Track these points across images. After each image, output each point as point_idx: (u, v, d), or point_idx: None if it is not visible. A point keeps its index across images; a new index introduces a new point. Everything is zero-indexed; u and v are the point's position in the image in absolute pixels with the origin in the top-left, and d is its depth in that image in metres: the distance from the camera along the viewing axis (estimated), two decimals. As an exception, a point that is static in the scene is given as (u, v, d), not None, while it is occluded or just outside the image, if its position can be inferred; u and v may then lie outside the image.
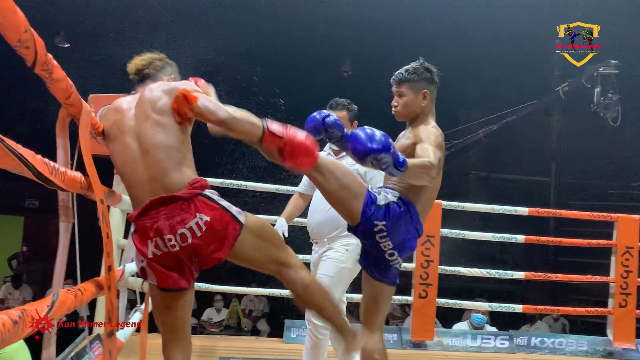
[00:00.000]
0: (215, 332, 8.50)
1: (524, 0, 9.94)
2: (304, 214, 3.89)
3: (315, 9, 9.92)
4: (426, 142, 2.52)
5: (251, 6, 10.06)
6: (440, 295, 5.22)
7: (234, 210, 2.24)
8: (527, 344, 5.55)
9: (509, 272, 5.90)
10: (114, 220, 4.37)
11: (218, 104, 2.26)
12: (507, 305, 5.59)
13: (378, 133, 2.22)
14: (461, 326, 6.15)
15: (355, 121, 3.62)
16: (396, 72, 2.79)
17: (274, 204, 6.40)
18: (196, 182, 2.21)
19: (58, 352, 2.27)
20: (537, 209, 5.67)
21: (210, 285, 5.07)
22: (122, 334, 3.54)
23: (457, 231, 5.43)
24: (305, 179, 3.84)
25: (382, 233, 2.52)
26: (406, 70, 2.76)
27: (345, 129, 2.56)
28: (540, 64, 10.53)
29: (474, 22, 10.11)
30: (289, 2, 9.63)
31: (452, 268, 5.38)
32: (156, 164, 2.21)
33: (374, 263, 2.62)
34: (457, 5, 10.06)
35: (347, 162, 3.54)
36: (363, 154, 2.20)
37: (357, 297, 5.40)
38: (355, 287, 3.53)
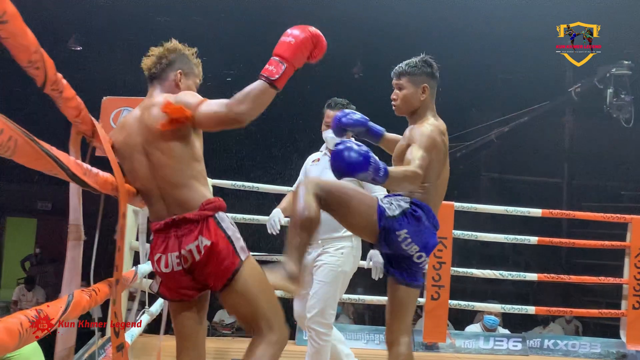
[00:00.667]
0: (227, 334, 8.50)
1: (536, 1, 9.89)
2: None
3: (326, 11, 9.92)
4: (416, 145, 2.58)
5: (260, 9, 10.09)
6: (452, 297, 5.21)
7: (238, 244, 2.20)
8: (540, 346, 5.52)
9: (521, 273, 5.87)
10: (127, 221, 4.38)
11: (215, 103, 2.17)
12: (519, 307, 5.57)
13: (355, 154, 2.30)
14: (474, 328, 6.13)
15: None
16: (397, 66, 2.81)
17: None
18: (209, 202, 2.20)
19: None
20: (550, 210, 5.64)
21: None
22: (129, 335, 3.54)
23: (470, 232, 5.41)
24: (300, 177, 3.87)
25: (406, 240, 2.57)
26: (407, 64, 2.78)
27: (367, 122, 2.84)
28: (552, 65, 10.47)
29: (486, 23, 10.07)
30: (300, 4, 9.63)
31: (465, 270, 5.36)
32: (166, 181, 2.21)
33: (403, 268, 2.65)
34: (469, 7, 10.03)
35: None
36: (341, 175, 2.38)
37: (368, 298, 5.40)
38: (368, 289, 3.54)
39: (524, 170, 12.27)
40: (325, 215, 3.46)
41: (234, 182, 5.08)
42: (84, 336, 3.67)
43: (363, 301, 5.18)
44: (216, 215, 2.18)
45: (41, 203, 12.82)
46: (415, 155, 2.52)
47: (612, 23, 8.05)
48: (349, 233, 3.51)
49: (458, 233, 5.27)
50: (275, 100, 2.19)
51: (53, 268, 11.49)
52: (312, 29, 2.18)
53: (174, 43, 2.40)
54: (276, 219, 3.58)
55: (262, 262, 2.34)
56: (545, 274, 5.75)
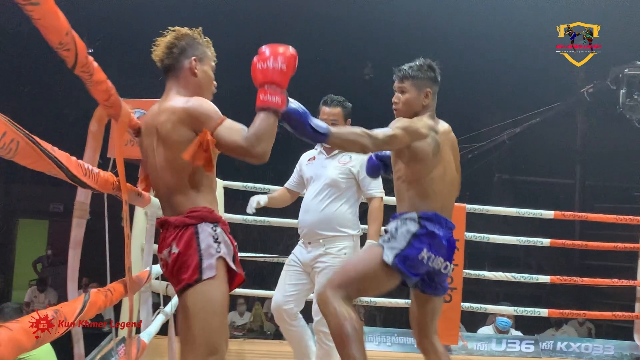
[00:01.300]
0: (239, 336, 8.51)
1: (548, 1, 9.86)
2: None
3: (336, 12, 9.93)
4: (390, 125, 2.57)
5: (272, 10, 10.10)
6: (464, 300, 5.18)
7: (207, 261, 2.08)
8: (553, 348, 5.49)
9: (534, 275, 5.84)
10: (138, 222, 4.39)
11: (237, 132, 2.09)
12: (532, 309, 5.54)
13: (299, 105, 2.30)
14: (486, 330, 6.11)
15: (349, 119, 3.60)
16: (399, 68, 2.77)
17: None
18: (195, 211, 2.13)
19: (84, 355, 2.28)
20: (563, 212, 5.61)
21: (233, 288, 5.07)
22: (147, 336, 3.54)
23: (482, 235, 5.39)
24: (293, 175, 3.86)
25: (430, 258, 2.57)
26: (410, 67, 2.74)
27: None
28: (564, 65, 10.42)
29: (497, 24, 10.05)
30: (311, 5, 9.65)
31: (477, 272, 5.34)
32: (165, 183, 2.21)
33: (436, 283, 2.69)
34: (480, 9, 10.01)
35: (340, 161, 3.55)
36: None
37: (379, 300, 5.37)
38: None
39: (536, 172, 12.23)
40: (326, 214, 3.46)
41: (244, 184, 5.09)
42: (92, 337, 3.69)
43: (375, 303, 5.16)
44: (198, 225, 2.11)
45: (53, 205, 12.89)
46: (383, 129, 2.52)
47: (624, 23, 8.01)
48: (349, 232, 3.50)
49: (470, 235, 5.24)
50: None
51: (65, 269, 11.52)
52: (291, 50, 2.16)
53: (180, 29, 2.30)
54: (256, 199, 3.60)
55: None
56: (558, 277, 5.71)
